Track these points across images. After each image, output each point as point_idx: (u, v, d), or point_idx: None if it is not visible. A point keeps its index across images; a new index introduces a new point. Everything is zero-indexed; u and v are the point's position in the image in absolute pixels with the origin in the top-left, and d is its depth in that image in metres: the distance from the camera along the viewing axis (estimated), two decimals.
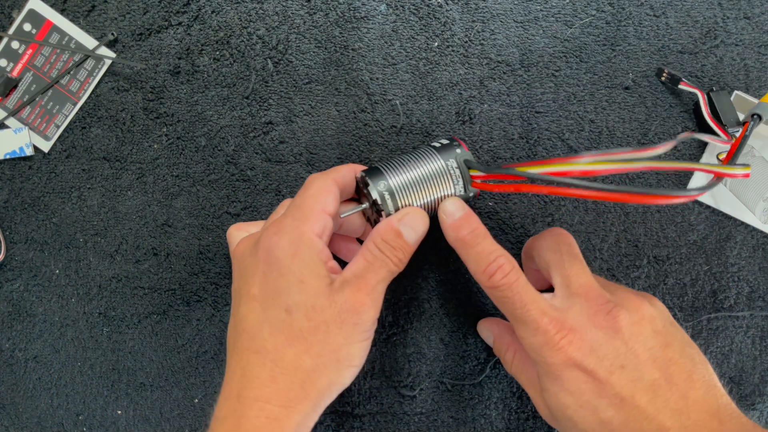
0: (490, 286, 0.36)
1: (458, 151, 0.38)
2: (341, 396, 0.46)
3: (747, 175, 0.36)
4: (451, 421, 0.46)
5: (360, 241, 0.43)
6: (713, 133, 0.42)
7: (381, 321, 0.45)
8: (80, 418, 0.47)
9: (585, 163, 0.33)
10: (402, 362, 0.46)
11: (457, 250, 0.38)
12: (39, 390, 0.47)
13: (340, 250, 0.43)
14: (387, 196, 0.37)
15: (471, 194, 0.39)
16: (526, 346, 0.35)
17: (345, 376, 0.36)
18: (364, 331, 0.36)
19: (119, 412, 0.47)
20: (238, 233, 0.41)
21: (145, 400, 0.47)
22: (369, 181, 0.37)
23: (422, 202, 0.38)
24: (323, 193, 0.37)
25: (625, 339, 0.34)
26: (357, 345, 0.36)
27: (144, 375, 0.47)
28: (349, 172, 0.39)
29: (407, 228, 0.38)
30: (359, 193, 0.40)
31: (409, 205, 0.38)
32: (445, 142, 0.39)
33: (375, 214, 0.38)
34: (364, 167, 0.39)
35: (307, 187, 0.37)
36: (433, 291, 0.45)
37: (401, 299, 0.45)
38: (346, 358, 0.36)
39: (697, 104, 0.43)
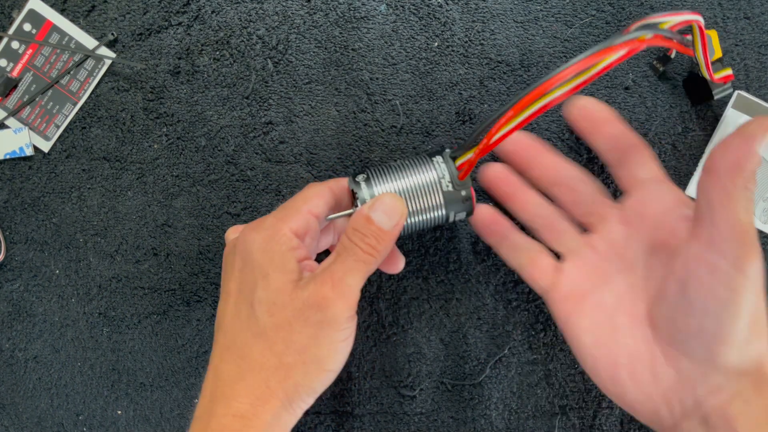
0: None
1: (447, 150, 0.37)
2: (341, 396, 0.46)
3: (731, 77, 0.39)
4: (451, 421, 0.46)
5: None
6: (707, 78, 0.41)
7: (381, 321, 0.45)
8: (80, 418, 0.47)
9: (558, 89, 0.31)
10: (402, 362, 0.46)
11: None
12: (39, 390, 0.47)
13: None
14: (369, 195, 0.36)
15: (463, 192, 0.36)
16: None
17: (314, 381, 0.34)
18: (335, 331, 0.33)
19: (119, 412, 0.47)
20: (235, 236, 0.40)
21: (145, 400, 0.47)
22: (352, 182, 0.36)
23: (412, 206, 0.36)
24: (314, 196, 0.36)
25: None
26: (327, 347, 0.33)
27: (144, 375, 0.47)
28: (346, 181, 0.38)
29: (378, 213, 0.34)
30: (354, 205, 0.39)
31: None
32: (436, 149, 0.38)
33: None
34: None
35: (301, 191, 0.37)
36: (433, 291, 0.45)
37: (401, 299, 0.45)
38: (313, 360, 0.33)
39: (688, 76, 0.43)
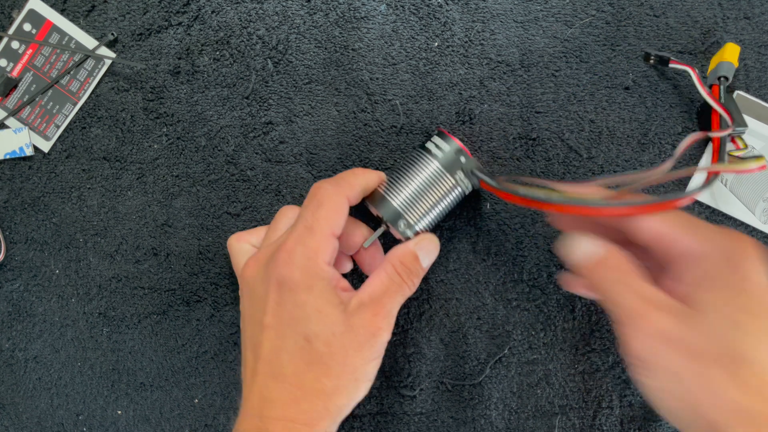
0: None
1: (463, 160, 0.39)
2: None
3: (764, 167, 0.33)
4: (451, 421, 0.46)
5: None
6: (714, 122, 0.42)
7: None
8: (80, 418, 0.47)
9: (596, 201, 0.33)
10: (402, 362, 0.46)
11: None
12: (39, 390, 0.47)
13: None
14: (402, 223, 0.39)
15: (462, 159, 0.40)
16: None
17: (362, 391, 0.38)
18: (380, 350, 0.37)
19: (119, 412, 0.47)
20: (240, 245, 0.41)
21: (145, 400, 0.47)
22: (374, 205, 0.40)
23: (437, 212, 0.40)
24: (335, 214, 0.37)
25: None
26: (372, 362, 0.37)
27: (144, 375, 0.47)
28: (359, 183, 0.39)
29: (423, 252, 0.39)
30: (365, 204, 0.41)
31: (425, 215, 0.39)
32: (443, 145, 0.39)
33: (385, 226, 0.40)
34: (372, 170, 0.40)
35: (319, 204, 0.37)
36: (433, 291, 0.45)
37: None
38: (363, 376, 0.37)
39: (701, 108, 0.43)
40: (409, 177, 0.39)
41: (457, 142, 0.39)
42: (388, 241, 0.43)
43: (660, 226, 0.32)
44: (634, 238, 0.34)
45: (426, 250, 0.40)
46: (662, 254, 0.33)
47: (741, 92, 0.43)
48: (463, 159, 0.39)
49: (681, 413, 0.30)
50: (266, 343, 0.37)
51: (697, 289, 0.30)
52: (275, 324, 0.37)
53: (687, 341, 0.29)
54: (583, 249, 0.35)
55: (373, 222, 0.43)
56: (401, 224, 0.39)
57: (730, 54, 0.41)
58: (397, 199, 0.39)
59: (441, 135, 0.40)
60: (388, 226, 0.40)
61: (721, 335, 0.29)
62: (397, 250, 0.39)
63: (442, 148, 0.39)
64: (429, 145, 0.40)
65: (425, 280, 0.45)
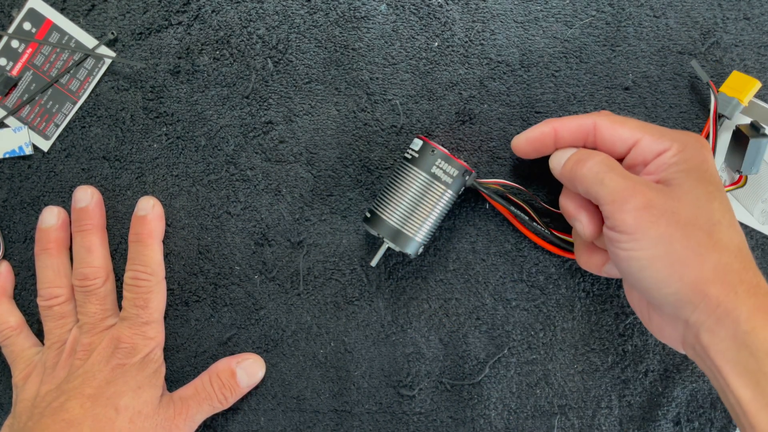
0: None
1: (467, 178, 0.40)
2: (340, 394, 0.46)
3: None
4: (450, 421, 0.46)
5: None
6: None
7: (380, 320, 0.45)
8: None
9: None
10: (401, 362, 0.46)
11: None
12: None
13: None
14: (399, 238, 0.40)
15: (467, 177, 0.40)
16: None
17: None
18: None
19: None
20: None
21: None
22: (368, 226, 0.40)
23: (430, 219, 0.40)
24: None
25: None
26: None
27: None
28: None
29: (242, 371, 0.44)
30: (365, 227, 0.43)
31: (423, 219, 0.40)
32: (450, 171, 0.40)
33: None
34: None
35: None
36: (432, 291, 0.45)
37: (400, 299, 0.45)
38: None
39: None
40: (394, 191, 0.40)
41: (439, 148, 0.40)
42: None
43: (631, 134, 0.36)
44: (612, 153, 0.37)
45: (247, 371, 0.44)
46: (637, 156, 0.36)
47: None
48: (467, 177, 0.40)
49: (667, 279, 0.32)
50: (78, 410, 0.40)
51: (672, 174, 0.34)
52: (95, 395, 0.41)
53: (673, 211, 0.32)
54: (559, 158, 0.38)
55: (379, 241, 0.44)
56: (399, 240, 0.40)
57: (742, 87, 0.41)
58: (375, 211, 0.40)
59: (420, 142, 0.40)
60: (388, 243, 0.40)
61: (700, 205, 0.33)
62: (219, 363, 0.45)
63: (423, 154, 0.40)
64: (407, 153, 0.41)
65: (425, 279, 0.45)
